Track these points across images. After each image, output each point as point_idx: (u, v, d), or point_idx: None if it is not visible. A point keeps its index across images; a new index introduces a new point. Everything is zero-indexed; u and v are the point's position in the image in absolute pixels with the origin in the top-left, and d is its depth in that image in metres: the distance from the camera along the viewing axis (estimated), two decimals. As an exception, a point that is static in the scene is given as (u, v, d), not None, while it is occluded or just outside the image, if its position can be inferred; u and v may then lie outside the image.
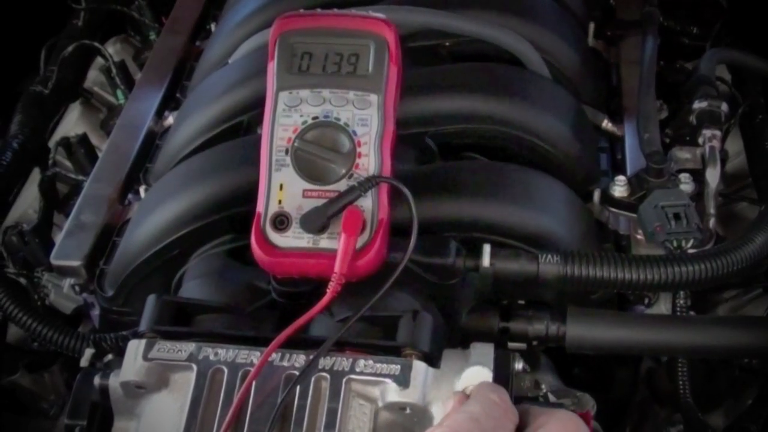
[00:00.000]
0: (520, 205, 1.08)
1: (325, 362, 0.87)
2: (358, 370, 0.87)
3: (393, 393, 0.86)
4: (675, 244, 1.08)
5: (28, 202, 1.49)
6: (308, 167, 0.93)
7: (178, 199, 1.11)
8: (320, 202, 0.92)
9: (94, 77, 1.67)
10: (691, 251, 1.08)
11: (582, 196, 1.20)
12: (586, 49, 1.44)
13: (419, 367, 0.87)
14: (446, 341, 0.98)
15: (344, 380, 0.87)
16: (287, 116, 0.94)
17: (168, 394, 0.90)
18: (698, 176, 1.21)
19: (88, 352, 1.01)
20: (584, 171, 1.23)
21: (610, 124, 1.36)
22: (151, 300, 0.94)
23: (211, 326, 0.94)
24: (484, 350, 0.89)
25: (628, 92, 1.42)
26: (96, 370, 0.96)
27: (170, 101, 1.46)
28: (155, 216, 1.12)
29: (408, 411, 0.87)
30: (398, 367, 0.87)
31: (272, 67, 0.96)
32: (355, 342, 0.90)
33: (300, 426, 0.84)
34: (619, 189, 1.18)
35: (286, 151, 0.93)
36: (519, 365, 0.91)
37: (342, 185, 0.92)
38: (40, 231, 1.32)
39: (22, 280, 1.26)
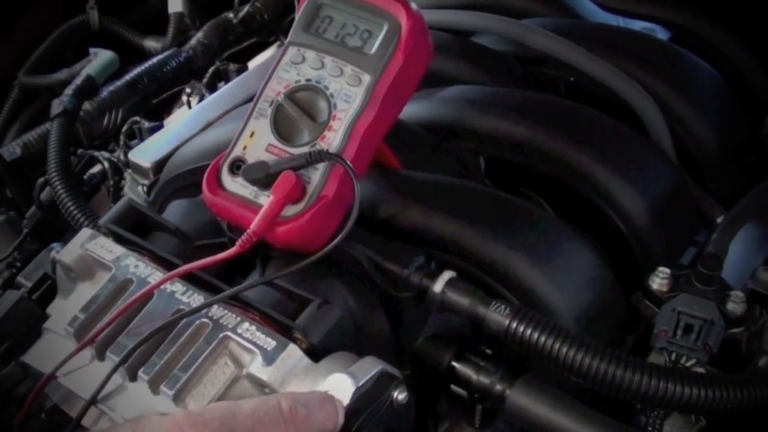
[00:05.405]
0: (521, 253, 0.98)
1: (215, 312, 0.87)
2: (239, 331, 0.86)
3: (256, 366, 0.84)
4: (672, 356, 0.94)
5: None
6: (282, 124, 0.92)
7: (230, 128, 1.14)
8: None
9: None
10: (698, 370, 0.93)
11: (635, 280, 1.07)
12: (739, 137, 1.27)
13: (292, 351, 0.84)
14: (392, 356, 0.94)
15: (221, 335, 0.86)
16: (286, 71, 0.94)
17: (90, 287, 0.95)
18: (765, 304, 1.03)
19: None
20: (649, 257, 1.10)
21: None
22: (121, 201, 0.99)
23: (159, 245, 0.97)
24: (369, 365, 0.84)
25: None
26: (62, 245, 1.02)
27: None
28: (206, 137, 1.17)
29: (267, 391, 0.84)
30: (273, 343, 0.85)
31: (296, 20, 0.96)
32: (257, 307, 0.88)
33: (161, 356, 0.85)
34: (658, 281, 1.02)
35: (271, 103, 0.93)
36: (401, 395, 0.84)
37: (302, 151, 0.90)
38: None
39: (106, 164, 1.35)
